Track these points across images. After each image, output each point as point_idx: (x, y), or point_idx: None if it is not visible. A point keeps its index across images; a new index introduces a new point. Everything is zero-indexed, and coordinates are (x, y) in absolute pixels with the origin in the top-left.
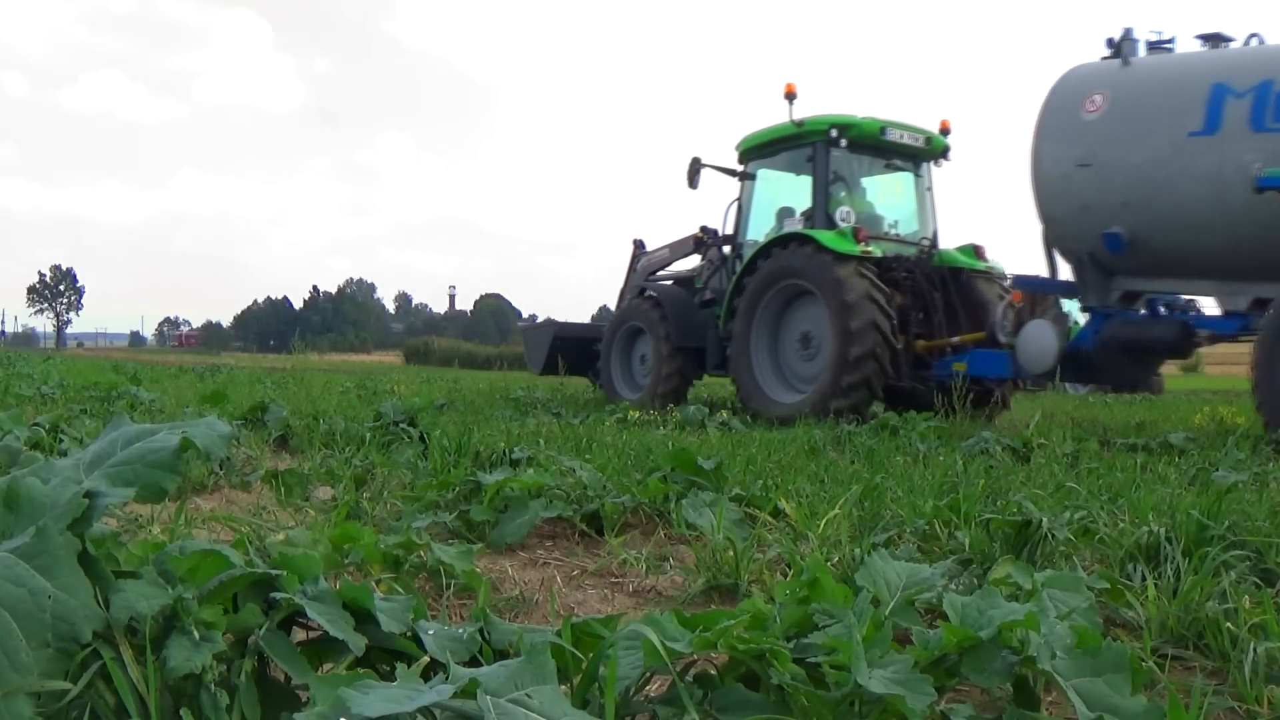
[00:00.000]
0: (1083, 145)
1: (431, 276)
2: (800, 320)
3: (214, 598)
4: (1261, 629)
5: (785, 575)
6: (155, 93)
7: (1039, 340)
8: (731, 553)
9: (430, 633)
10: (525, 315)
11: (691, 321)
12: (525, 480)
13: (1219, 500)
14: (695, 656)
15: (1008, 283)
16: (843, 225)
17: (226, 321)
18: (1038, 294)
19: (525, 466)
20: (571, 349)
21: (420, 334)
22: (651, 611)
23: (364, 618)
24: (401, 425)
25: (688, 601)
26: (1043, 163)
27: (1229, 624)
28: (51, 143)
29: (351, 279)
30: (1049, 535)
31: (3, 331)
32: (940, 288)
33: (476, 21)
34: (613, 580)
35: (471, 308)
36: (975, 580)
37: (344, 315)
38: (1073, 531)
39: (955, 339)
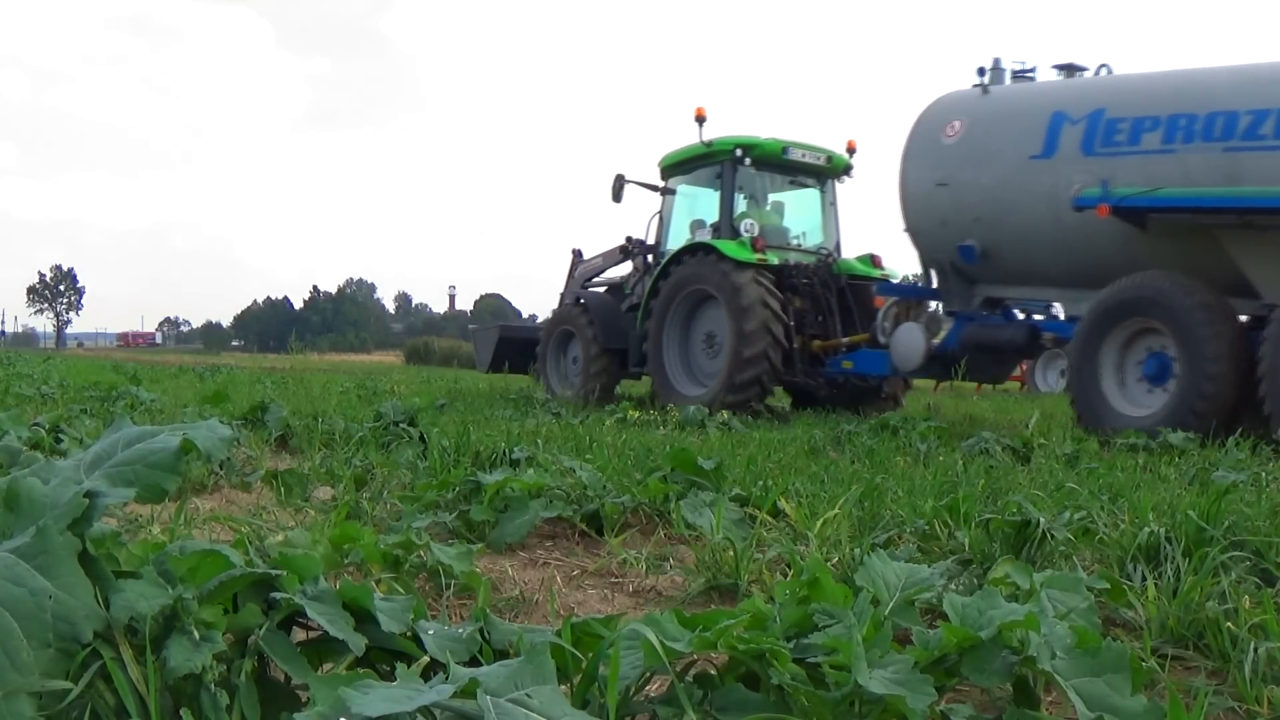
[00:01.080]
0: (942, 166)
1: (431, 277)
2: (706, 322)
3: (214, 598)
4: (1261, 629)
5: (785, 575)
6: (155, 92)
7: (908, 341)
8: (731, 553)
9: (430, 633)
10: (525, 315)
11: (616, 325)
12: (525, 480)
13: (1219, 500)
14: (695, 656)
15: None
16: (745, 236)
17: (226, 321)
18: (911, 299)
19: (525, 466)
20: (516, 349)
21: (420, 334)
22: (651, 611)
23: (364, 618)
24: (401, 425)
25: (688, 601)
26: (908, 182)
27: (1229, 624)
28: (51, 143)
29: (351, 279)
30: (1049, 535)
31: (3, 331)
32: (837, 293)
33: (476, 22)
34: (613, 580)
35: (471, 308)
36: (975, 580)
37: (344, 315)
38: (1073, 531)
39: (846, 340)
